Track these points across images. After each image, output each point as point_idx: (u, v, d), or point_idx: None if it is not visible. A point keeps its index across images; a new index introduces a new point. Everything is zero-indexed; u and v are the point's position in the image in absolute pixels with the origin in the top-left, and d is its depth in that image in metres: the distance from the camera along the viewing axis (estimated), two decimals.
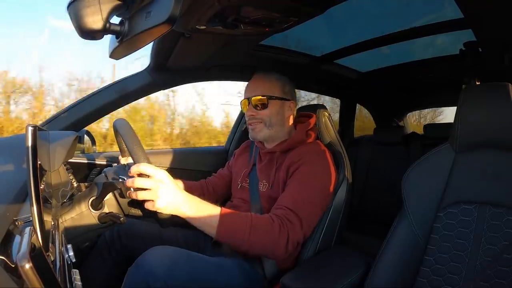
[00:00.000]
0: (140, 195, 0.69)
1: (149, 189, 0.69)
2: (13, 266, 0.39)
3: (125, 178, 0.80)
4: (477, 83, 1.40)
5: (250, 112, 1.04)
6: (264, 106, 1.03)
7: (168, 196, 0.70)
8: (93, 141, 1.33)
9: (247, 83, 1.11)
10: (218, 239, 0.79)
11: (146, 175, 0.69)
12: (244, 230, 0.79)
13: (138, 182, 0.68)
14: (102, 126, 4.54)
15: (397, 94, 2.30)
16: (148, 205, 0.70)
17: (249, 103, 1.05)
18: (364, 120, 3.45)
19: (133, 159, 0.71)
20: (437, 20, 1.13)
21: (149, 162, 0.71)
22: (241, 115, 1.78)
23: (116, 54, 0.58)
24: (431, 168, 0.84)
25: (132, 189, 0.70)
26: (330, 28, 1.25)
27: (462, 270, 0.74)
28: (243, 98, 1.09)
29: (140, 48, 0.55)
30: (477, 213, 0.76)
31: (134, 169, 0.70)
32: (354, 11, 1.12)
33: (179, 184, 1.13)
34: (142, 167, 0.69)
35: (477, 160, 0.80)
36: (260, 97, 1.03)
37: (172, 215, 0.72)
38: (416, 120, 5.68)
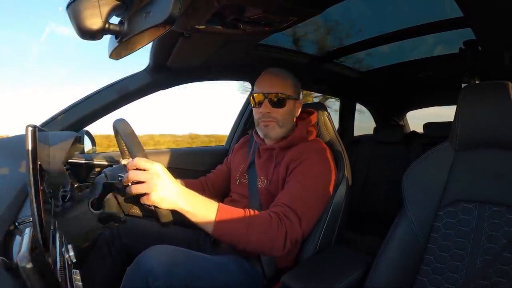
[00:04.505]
0: (135, 189, 0.67)
1: (144, 182, 0.67)
2: (13, 266, 0.39)
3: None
4: (476, 81, 1.41)
5: (267, 109, 1.00)
6: (281, 104, 1.00)
7: (163, 189, 0.68)
8: (93, 142, 1.33)
9: (257, 79, 1.06)
10: (215, 235, 0.77)
11: (142, 169, 0.68)
12: (241, 227, 0.78)
13: (133, 175, 0.67)
14: None
15: (396, 93, 2.30)
16: (144, 199, 0.68)
17: (265, 99, 1.00)
18: None
19: (131, 155, 0.70)
20: (436, 19, 1.13)
21: (146, 157, 0.70)
22: (241, 114, 1.77)
23: (115, 54, 0.57)
24: (431, 167, 0.84)
25: (129, 184, 0.69)
26: (330, 27, 1.25)
27: (462, 268, 0.74)
28: (256, 93, 1.03)
29: (140, 48, 0.55)
30: (477, 211, 0.76)
31: (130, 164, 0.68)
32: (353, 10, 1.12)
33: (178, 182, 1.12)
34: (137, 161, 0.68)
35: (477, 158, 0.80)
36: (280, 94, 0.99)
37: (171, 212, 0.71)
38: None
